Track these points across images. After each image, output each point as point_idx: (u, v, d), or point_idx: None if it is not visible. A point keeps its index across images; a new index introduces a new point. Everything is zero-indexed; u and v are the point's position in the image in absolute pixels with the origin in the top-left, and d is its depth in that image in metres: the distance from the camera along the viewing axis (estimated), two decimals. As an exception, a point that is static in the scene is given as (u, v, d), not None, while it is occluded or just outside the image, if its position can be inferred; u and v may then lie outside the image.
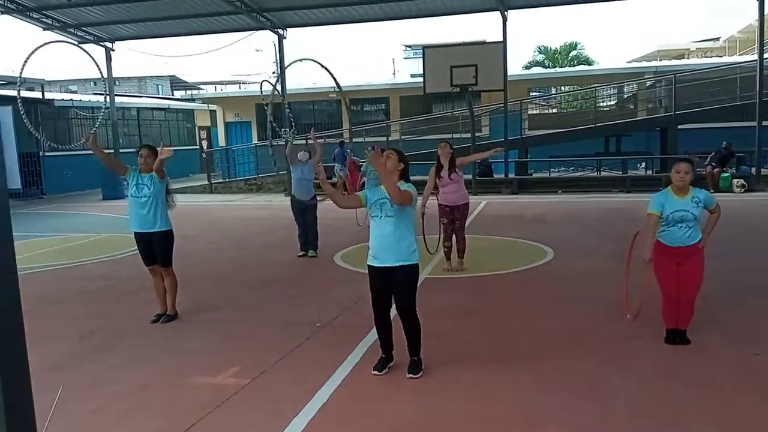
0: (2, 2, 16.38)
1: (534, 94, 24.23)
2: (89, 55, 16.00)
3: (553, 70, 28.69)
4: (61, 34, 18.85)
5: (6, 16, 17.25)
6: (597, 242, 9.58)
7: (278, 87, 18.06)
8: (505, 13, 16.73)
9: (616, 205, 14.05)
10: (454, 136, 20.06)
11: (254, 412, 4.01)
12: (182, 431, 3.76)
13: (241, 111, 26.65)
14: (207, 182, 21.72)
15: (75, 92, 33.44)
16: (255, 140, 25.89)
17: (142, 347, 5.37)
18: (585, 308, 6.04)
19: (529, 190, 17.25)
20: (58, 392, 4.18)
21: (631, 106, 22.47)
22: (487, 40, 17.49)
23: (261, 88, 17.30)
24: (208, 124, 31.37)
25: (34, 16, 17.58)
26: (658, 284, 4.98)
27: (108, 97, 18.81)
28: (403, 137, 21.83)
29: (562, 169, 20.26)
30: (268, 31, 19.12)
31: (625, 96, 23.21)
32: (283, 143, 19.76)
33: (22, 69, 13.45)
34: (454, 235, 7.79)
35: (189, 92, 40.08)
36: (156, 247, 5.91)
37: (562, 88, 24.48)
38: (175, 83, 42.68)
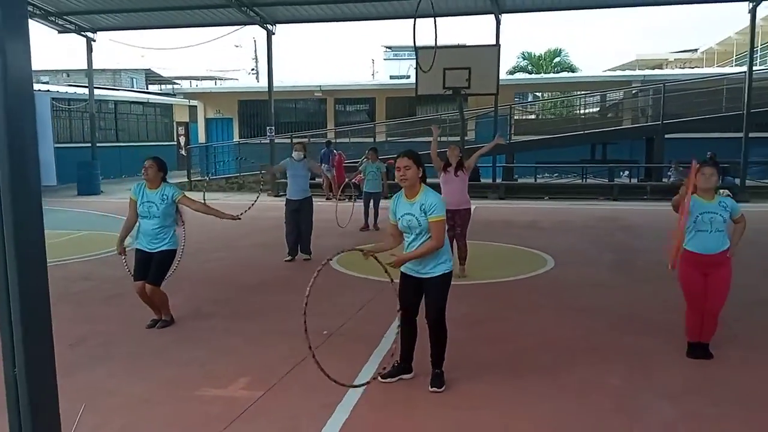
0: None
1: (517, 99, 24.28)
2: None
3: (540, 76, 28.78)
4: (41, 22, 18.25)
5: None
6: (595, 251, 9.50)
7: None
8: (499, 16, 16.66)
9: (606, 213, 14.04)
10: (442, 139, 19.98)
11: (272, 428, 3.76)
12: (196, 450, 3.50)
13: (223, 107, 26.19)
14: (186, 180, 21.23)
15: (47, 83, 32.54)
16: (237, 137, 25.46)
17: (139, 355, 5.06)
18: (597, 319, 5.91)
19: (515, 195, 17.19)
20: (80, 410, 3.84)
21: (618, 115, 22.59)
22: (479, 44, 17.36)
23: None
24: (187, 119, 30.78)
25: (13, 3, 16.97)
26: (684, 295, 4.86)
27: (89, 89, 18.25)
28: (389, 138, 21.65)
29: (546, 175, 20.29)
30: (256, 26, 18.76)
31: (612, 104, 23.35)
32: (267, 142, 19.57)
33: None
34: (455, 242, 7.61)
35: (164, 87, 39.39)
36: (153, 264, 5.52)
37: (548, 94, 24.56)
38: (151, 77, 41.88)
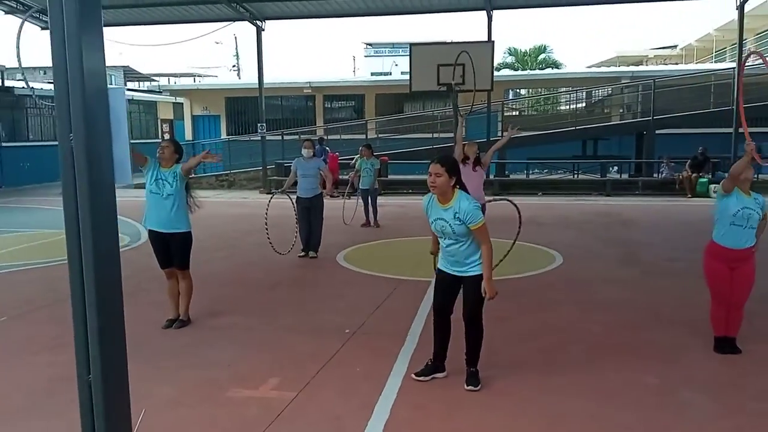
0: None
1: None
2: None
3: (530, 72, 28.90)
4: (23, 18, 17.80)
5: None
6: (600, 246, 9.52)
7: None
8: (491, 12, 16.65)
9: (601, 208, 14.11)
10: (434, 135, 19.99)
11: (314, 430, 3.67)
12: (241, 454, 3.41)
13: (210, 104, 25.90)
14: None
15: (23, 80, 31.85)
16: (224, 134, 25.20)
17: (162, 356, 4.93)
18: (618, 314, 5.90)
19: (508, 191, 17.20)
20: (140, 414, 3.70)
21: (605, 111, 22.76)
22: (470, 40, 17.33)
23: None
24: (171, 116, 30.37)
25: (-5, -2, 16.59)
26: (709, 289, 4.86)
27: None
28: (380, 135, 21.57)
29: (536, 171, 20.37)
30: (241, 22, 18.55)
31: (599, 100, 23.50)
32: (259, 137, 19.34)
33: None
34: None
35: (143, 84, 38.78)
36: (175, 250, 5.48)
37: (540, 90, 24.66)
38: (129, 74, 41.27)
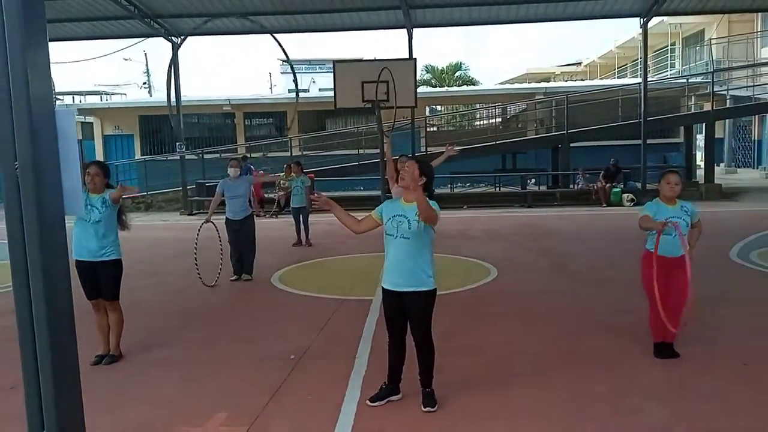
0: None
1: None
2: None
3: (451, 89, 29.55)
4: None
5: None
6: (530, 257, 9.76)
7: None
8: (411, 30, 16.91)
9: (524, 220, 14.54)
10: (360, 152, 20.00)
11: (273, 466, 3.48)
12: (196, 499, 3.17)
13: (123, 123, 24.81)
14: (87, 200, 19.83)
15: None
16: (139, 154, 24.18)
17: (97, 397, 4.54)
18: (558, 325, 6.02)
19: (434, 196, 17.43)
20: None
21: (518, 126, 23.57)
22: (393, 57, 17.51)
23: None
24: (80, 137, 28.86)
25: None
26: (647, 296, 5.01)
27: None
28: (304, 153, 21.36)
29: (459, 185, 20.77)
30: (153, 38, 17.93)
31: (515, 115, 24.34)
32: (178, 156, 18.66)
33: None
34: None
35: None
36: (104, 279, 5.13)
37: (457, 107, 25.25)
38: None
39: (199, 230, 8.01)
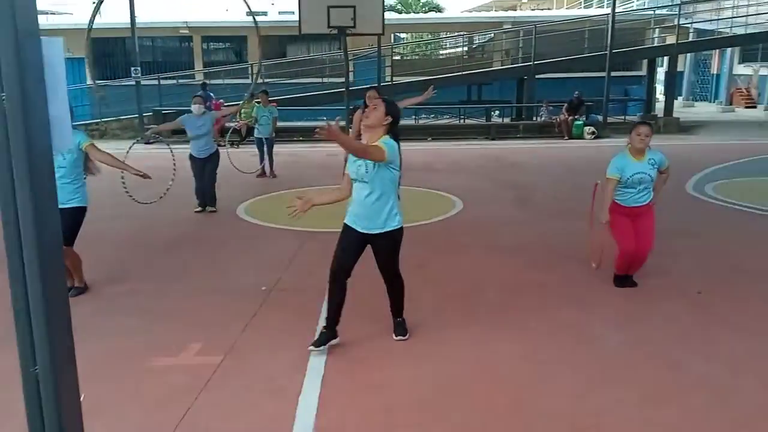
0: None
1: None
2: None
3: (418, 16, 28.82)
4: None
5: None
6: (494, 189, 9.89)
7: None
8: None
9: (489, 152, 14.63)
10: (324, 81, 19.56)
11: (250, 393, 3.56)
12: (176, 425, 3.23)
13: (72, 46, 23.51)
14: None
15: None
16: (90, 80, 23.11)
17: (64, 328, 4.54)
18: (522, 255, 6.18)
19: (399, 137, 17.32)
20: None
21: (484, 57, 23.29)
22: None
23: None
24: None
25: None
26: (615, 241, 5.12)
27: None
28: (266, 80, 20.74)
29: (424, 116, 20.63)
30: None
31: (480, 45, 24.00)
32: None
33: None
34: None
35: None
36: (63, 223, 4.94)
37: (423, 35, 24.72)
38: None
39: (128, 150, 7.48)
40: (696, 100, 29.32)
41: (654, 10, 22.48)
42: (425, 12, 31.78)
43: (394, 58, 22.49)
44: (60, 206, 4.79)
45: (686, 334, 4.27)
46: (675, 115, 19.24)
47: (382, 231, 3.96)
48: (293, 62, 21.78)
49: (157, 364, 3.95)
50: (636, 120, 5.03)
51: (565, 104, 17.35)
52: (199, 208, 8.35)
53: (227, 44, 24.30)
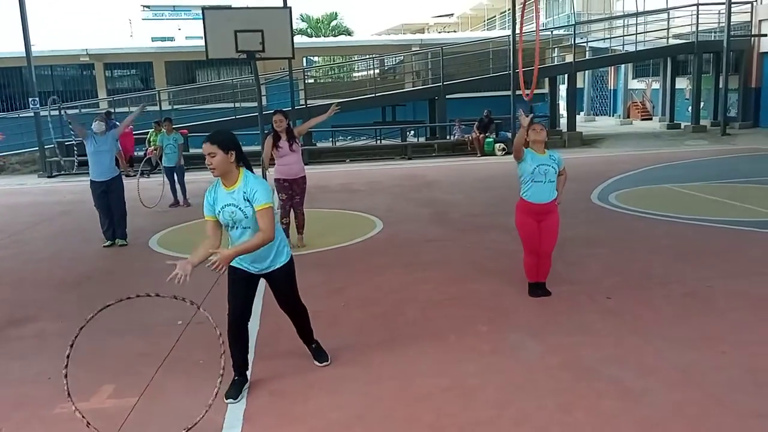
0: None
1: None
2: None
3: (328, 39, 29.00)
4: None
5: None
6: (413, 208, 10.03)
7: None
8: (285, -23, 16.32)
9: (405, 171, 14.87)
10: (236, 105, 19.29)
11: (169, 434, 3.40)
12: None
13: (-38, 76, 22.13)
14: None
15: None
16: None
17: (-42, 380, 4.19)
18: (443, 272, 6.28)
19: (317, 160, 17.34)
20: None
21: (396, 78, 23.76)
22: (268, 6, 16.83)
23: None
24: None
25: None
26: (521, 241, 5.36)
27: None
28: (175, 107, 20.24)
29: (341, 138, 20.74)
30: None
31: (391, 67, 24.47)
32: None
33: None
34: (292, 211, 7.50)
35: None
36: None
37: (334, 58, 24.91)
38: None
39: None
40: (597, 115, 31.08)
41: (552, 31, 23.72)
42: (335, 35, 32.07)
43: (307, 81, 22.55)
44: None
45: (598, 340, 4.46)
46: (578, 129, 20.29)
47: (276, 268, 3.81)
48: (203, 87, 21.38)
49: (66, 411, 3.70)
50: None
51: (476, 123, 17.92)
52: (108, 243, 7.97)
53: (132, 71, 23.57)
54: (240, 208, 3.57)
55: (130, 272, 6.89)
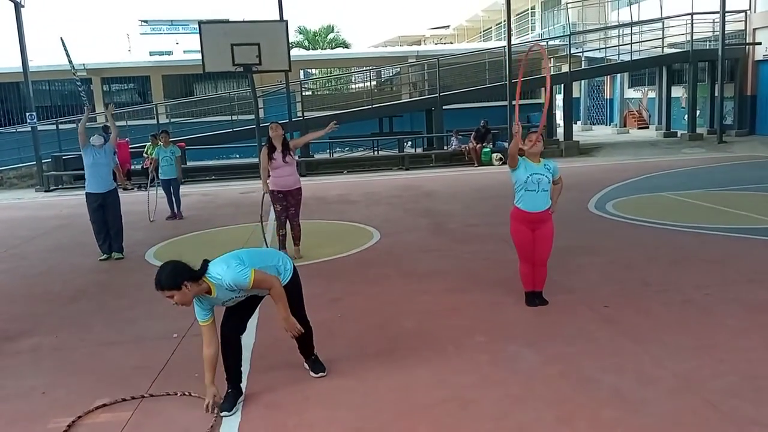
0: None
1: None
2: None
3: (326, 52, 29.15)
4: None
5: None
6: (411, 218, 10.02)
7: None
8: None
9: (403, 182, 14.87)
10: (234, 118, 19.33)
11: (163, 449, 3.36)
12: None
13: (-41, 92, 22.20)
14: None
15: None
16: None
17: (-48, 396, 4.15)
18: (440, 282, 6.26)
19: (315, 171, 17.36)
20: None
21: (393, 90, 23.86)
22: (265, 19, 16.90)
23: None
24: None
25: None
26: (516, 250, 5.34)
27: None
28: (172, 120, 20.29)
29: (338, 149, 20.79)
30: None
31: (390, 78, 24.56)
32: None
33: None
34: (288, 223, 7.49)
35: None
36: None
37: (331, 70, 25.01)
38: None
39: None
40: (593, 124, 31.16)
41: (547, 42, 23.83)
42: (332, 48, 32.22)
43: (305, 93, 22.63)
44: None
45: (596, 349, 4.42)
46: (575, 138, 20.34)
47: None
48: (200, 101, 21.45)
49: (59, 425, 3.67)
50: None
51: (473, 133, 17.97)
52: (105, 256, 7.95)
53: (130, 85, 23.65)
54: (238, 296, 3.69)
55: (126, 286, 6.86)
